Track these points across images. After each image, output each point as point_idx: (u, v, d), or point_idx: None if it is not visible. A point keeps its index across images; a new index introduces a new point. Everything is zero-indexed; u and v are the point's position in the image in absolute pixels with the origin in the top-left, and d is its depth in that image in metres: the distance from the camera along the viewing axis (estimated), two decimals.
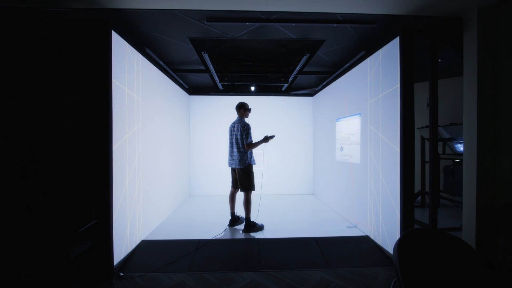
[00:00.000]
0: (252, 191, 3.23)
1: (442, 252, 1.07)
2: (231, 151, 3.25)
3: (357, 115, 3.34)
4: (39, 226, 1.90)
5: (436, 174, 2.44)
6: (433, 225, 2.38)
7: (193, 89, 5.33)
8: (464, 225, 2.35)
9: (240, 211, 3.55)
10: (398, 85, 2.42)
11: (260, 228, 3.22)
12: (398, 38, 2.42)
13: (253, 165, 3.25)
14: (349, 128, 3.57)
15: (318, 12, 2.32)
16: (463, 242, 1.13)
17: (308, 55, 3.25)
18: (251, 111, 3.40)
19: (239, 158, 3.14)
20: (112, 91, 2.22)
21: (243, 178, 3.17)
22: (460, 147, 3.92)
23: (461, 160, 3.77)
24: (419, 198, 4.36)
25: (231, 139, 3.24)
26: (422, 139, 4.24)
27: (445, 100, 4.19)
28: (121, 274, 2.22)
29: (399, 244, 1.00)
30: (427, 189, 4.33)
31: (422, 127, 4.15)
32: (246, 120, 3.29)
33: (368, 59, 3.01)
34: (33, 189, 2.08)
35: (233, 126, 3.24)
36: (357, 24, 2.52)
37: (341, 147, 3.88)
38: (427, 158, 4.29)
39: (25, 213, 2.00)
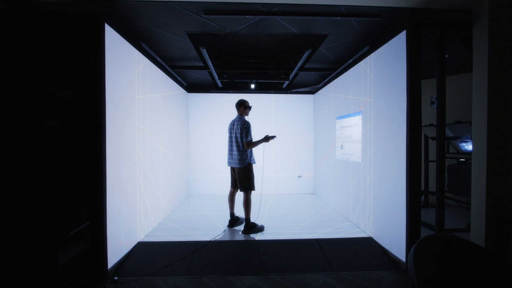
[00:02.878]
0: (252, 191, 3.14)
1: (461, 261, 0.98)
2: (230, 150, 3.15)
3: (359, 114, 3.25)
4: (26, 229, 1.81)
5: (442, 174, 2.34)
6: (440, 227, 2.29)
7: (192, 87, 5.22)
8: (472, 226, 2.27)
9: (239, 212, 3.46)
10: (404, 82, 2.32)
11: (260, 229, 3.13)
12: (404, 32, 2.32)
13: (253, 165, 3.15)
14: (350, 127, 3.48)
15: (321, 4, 2.22)
16: (483, 249, 1.03)
17: (310, 50, 3.15)
18: (251, 109, 3.30)
19: (238, 157, 3.05)
20: (106, 87, 2.12)
21: (242, 178, 3.07)
22: (465, 146, 3.82)
23: (466, 159, 3.68)
24: (422, 197, 4.27)
25: (230, 137, 3.15)
26: (426, 138, 4.15)
27: (448, 98, 4.09)
28: (116, 278, 2.13)
29: (415, 254, 0.90)
30: (430, 188, 4.25)
31: (426, 126, 4.05)
32: (246, 118, 3.19)
33: (372, 55, 2.91)
34: (21, 190, 1.98)
35: (232, 124, 3.14)
36: (361, 17, 2.41)
37: (342, 145, 3.78)
38: (430, 157, 4.20)
39: (11, 215, 1.90)
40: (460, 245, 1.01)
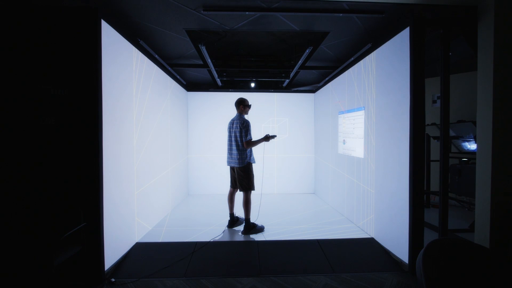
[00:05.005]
0: (252, 191, 3.09)
1: (470, 264, 0.94)
2: (229, 149, 3.10)
3: (361, 109, 3.19)
4: (19, 229, 1.76)
5: (446, 174, 2.30)
6: (444, 228, 2.25)
7: (192, 85, 5.17)
8: (476, 227, 2.22)
9: (239, 212, 3.42)
10: (407, 80, 2.28)
11: (260, 229, 3.09)
12: (408, 29, 2.27)
13: (253, 164, 3.11)
14: (353, 122, 3.43)
15: (323, 0, 2.17)
16: (491, 252, 0.99)
17: (311, 48, 3.10)
18: (251, 108, 3.26)
19: (238, 157, 3.00)
20: (103, 85, 2.07)
21: (242, 178, 3.03)
22: (468, 145, 3.78)
23: (469, 158, 3.63)
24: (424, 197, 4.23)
25: (230, 136, 3.10)
26: (428, 137, 4.10)
27: (450, 97, 4.05)
28: (113, 280, 2.09)
29: (424, 258, 0.86)
30: (432, 188, 4.21)
31: (428, 125, 4.01)
32: (246, 116, 3.14)
33: (374, 52, 2.86)
34: (15, 190, 1.93)
35: (232, 123, 3.09)
36: (364, 14, 2.36)
37: (344, 140, 3.73)
38: (431, 157, 4.16)
39: (3, 215, 1.86)
40: (469, 248, 0.96)
